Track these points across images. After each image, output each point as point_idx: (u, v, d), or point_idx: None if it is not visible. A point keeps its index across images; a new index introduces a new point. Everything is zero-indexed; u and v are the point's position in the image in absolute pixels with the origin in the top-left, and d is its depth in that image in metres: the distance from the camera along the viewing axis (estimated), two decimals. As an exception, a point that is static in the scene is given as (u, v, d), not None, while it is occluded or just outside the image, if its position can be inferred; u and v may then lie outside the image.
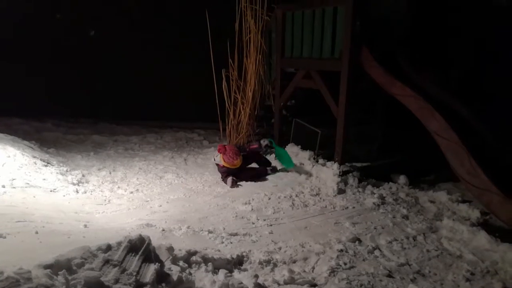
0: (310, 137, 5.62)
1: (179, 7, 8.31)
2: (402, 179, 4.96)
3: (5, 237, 2.64)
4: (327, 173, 4.87)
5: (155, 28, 8.44)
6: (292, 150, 5.57)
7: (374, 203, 4.26)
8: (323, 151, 5.51)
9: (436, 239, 3.51)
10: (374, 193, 4.55)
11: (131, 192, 4.73)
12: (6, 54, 8.08)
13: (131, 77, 8.49)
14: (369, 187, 4.72)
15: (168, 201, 4.47)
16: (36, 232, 2.85)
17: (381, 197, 4.43)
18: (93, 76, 8.47)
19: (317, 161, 5.29)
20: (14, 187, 3.86)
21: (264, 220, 3.86)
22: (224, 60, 6.63)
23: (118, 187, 4.87)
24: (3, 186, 3.78)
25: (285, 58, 5.88)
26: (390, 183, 4.91)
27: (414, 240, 3.48)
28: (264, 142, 5.44)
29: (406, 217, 3.98)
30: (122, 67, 8.41)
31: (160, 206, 4.30)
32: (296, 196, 4.53)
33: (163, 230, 3.43)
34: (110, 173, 5.39)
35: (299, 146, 5.64)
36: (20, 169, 4.44)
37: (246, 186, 4.95)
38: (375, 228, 3.70)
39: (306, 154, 5.40)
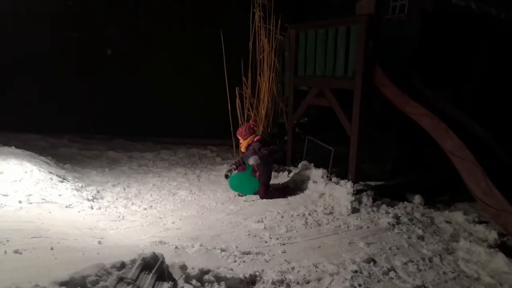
0: (323, 155, 5.60)
1: (193, 26, 8.48)
2: (417, 198, 4.89)
3: (21, 253, 2.67)
4: (341, 192, 4.83)
5: (170, 46, 8.62)
6: (305, 167, 5.55)
7: (389, 223, 4.20)
8: (337, 169, 5.49)
9: (452, 261, 3.44)
10: (389, 213, 4.50)
11: (145, 209, 4.76)
12: (24, 71, 8.33)
13: (146, 94, 8.65)
14: (384, 206, 4.67)
15: (181, 218, 4.48)
16: (52, 248, 2.87)
17: (396, 217, 4.37)
18: (109, 94, 8.65)
19: (330, 179, 5.26)
20: (30, 203, 3.91)
21: (277, 238, 3.83)
22: (238, 78, 6.71)
23: (132, 204, 4.91)
24: (20, 202, 3.83)
25: (298, 76, 5.92)
26: (405, 202, 4.85)
27: (430, 262, 3.41)
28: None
29: (421, 237, 3.91)
30: (137, 85, 8.58)
31: (173, 223, 4.31)
32: (309, 214, 4.50)
33: (176, 247, 3.43)
34: (124, 189, 5.44)
35: (312, 164, 5.62)
36: (37, 184, 4.51)
37: (259, 204, 4.94)
38: (390, 249, 3.64)
39: (319, 172, 5.37)
